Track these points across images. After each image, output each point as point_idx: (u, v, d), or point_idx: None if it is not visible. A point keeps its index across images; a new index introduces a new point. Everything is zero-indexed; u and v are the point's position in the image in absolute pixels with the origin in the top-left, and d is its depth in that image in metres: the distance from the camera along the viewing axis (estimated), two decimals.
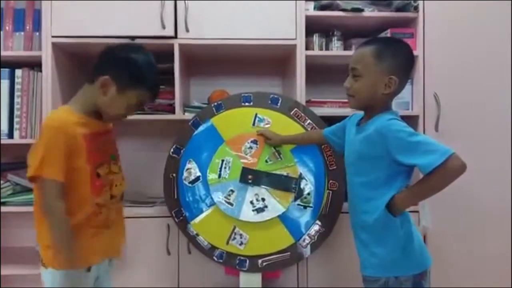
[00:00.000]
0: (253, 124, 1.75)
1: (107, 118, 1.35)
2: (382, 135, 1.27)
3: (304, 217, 1.71)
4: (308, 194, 1.71)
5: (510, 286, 1.89)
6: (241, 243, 1.70)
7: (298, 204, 1.71)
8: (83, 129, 1.26)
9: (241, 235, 1.70)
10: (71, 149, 1.21)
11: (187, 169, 1.73)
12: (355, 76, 1.36)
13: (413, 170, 1.31)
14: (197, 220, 1.71)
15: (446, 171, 1.21)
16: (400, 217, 1.31)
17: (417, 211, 1.65)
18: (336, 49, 1.97)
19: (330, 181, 1.73)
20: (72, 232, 1.23)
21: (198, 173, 1.72)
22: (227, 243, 1.70)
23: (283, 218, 1.70)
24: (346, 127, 1.50)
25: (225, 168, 1.71)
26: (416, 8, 1.89)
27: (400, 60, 1.34)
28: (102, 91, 1.27)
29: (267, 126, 1.75)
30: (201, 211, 1.72)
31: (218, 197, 1.69)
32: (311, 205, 1.71)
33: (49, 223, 1.21)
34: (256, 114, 1.75)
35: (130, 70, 1.28)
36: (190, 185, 1.72)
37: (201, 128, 1.75)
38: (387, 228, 1.30)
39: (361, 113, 1.44)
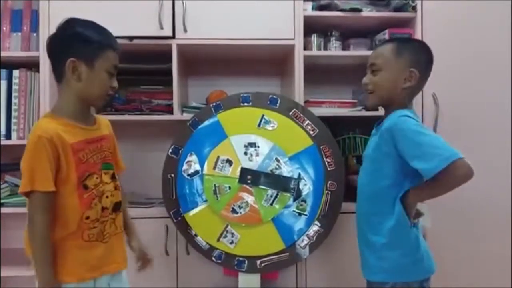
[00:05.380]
0: (259, 125, 1.75)
1: (97, 101, 1.27)
2: (391, 132, 1.26)
3: (297, 224, 1.71)
4: (304, 201, 1.71)
5: (510, 286, 1.89)
6: (232, 242, 1.70)
7: (293, 211, 1.71)
8: (70, 137, 1.19)
9: (232, 234, 1.70)
10: (57, 159, 1.16)
11: (188, 161, 1.73)
12: (374, 71, 1.35)
13: None
14: (191, 213, 1.72)
15: (449, 178, 1.19)
16: (410, 221, 1.30)
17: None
18: (335, 49, 1.97)
19: (329, 182, 1.73)
20: (55, 247, 1.17)
21: (198, 167, 1.72)
22: (218, 240, 1.71)
23: (277, 222, 1.70)
24: None
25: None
26: (414, 8, 1.89)
27: (419, 55, 1.35)
28: (75, 77, 1.20)
29: (272, 128, 1.74)
30: (196, 205, 1.72)
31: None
32: (306, 213, 1.71)
33: (31, 237, 1.15)
34: (263, 116, 1.75)
35: (87, 41, 1.21)
36: (188, 177, 1.72)
37: (206, 123, 1.75)
38: (401, 232, 1.29)
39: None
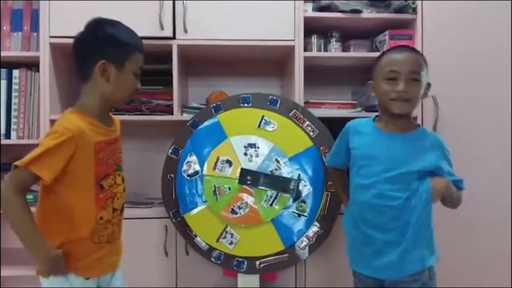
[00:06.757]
0: (259, 126, 1.75)
1: (121, 102, 1.32)
2: (440, 150, 1.38)
3: (297, 225, 1.71)
4: (304, 202, 1.71)
5: (510, 286, 1.90)
6: (231, 243, 1.70)
7: (293, 212, 1.71)
8: (94, 135, 1.19)
9: (232, 234, 1.70)
10: (80, 158, 1.15)
11: (188, 162, 1.73)
12: (415, 80, 1.35)
13: None
14: (191, 213, 1.72)
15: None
16: None
17: None
18: (335, 50, 1.97)
19: (329, 183, 1.73)
20: (63, 249, 1.17)
21: (198, 168, 1.72)
22: (217, 240, 1.70)
23: (276, 223, 1.70)
24: (355, 132, 1.49)
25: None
26: (414, 10, 1.89)
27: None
28: (104, 78, 1.21)
29: (272, 129, 1.74)
30: (196, 205, 1.72)
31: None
32: (305, 214, 1.71)
33: (11, 220, 1.11)
34: (263, 116, 1.75)
35: (118, 43, 1.23)
36: (188, 178, 1.72)
37: (206, 123, 1.75)
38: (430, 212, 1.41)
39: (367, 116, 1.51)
